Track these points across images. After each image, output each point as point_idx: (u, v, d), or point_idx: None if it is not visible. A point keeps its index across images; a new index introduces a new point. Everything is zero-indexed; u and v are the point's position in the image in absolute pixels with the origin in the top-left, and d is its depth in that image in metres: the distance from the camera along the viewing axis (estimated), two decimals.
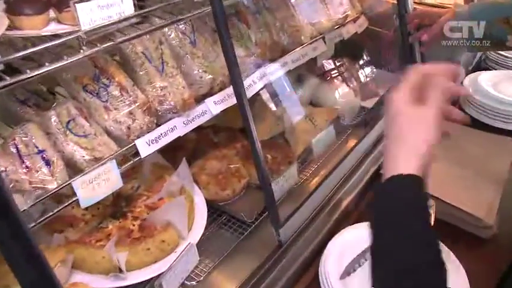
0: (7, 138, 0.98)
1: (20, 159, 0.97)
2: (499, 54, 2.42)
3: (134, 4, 1.04)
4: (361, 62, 2.11)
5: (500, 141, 1.87)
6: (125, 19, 1.03)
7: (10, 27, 0.98)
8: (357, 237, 1.38)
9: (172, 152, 1.53)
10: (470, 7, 1.57)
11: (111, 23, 0.99)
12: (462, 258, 1.32)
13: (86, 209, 1.29)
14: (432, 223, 1.28)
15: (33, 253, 0.74)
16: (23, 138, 0.99)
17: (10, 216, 0.70)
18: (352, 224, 1.46)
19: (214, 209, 1.46)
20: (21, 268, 0.74)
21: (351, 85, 1.92)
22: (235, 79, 1.20)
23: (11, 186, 0.92)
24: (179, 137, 1.28)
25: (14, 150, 0.97)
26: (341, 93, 1.86)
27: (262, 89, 1.47)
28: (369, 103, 1.95)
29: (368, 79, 2.04)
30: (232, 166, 1.51)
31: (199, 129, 1.71)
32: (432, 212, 1.43)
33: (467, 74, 2.25)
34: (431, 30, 1.63)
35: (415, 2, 2.02)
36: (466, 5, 1.65)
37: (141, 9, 1.11)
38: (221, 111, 1.38)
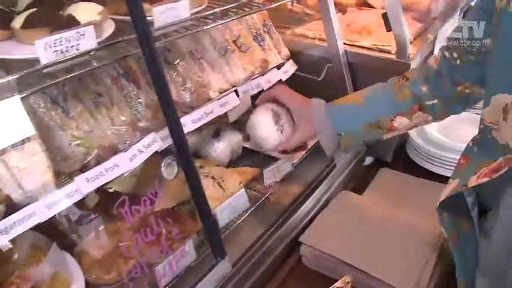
0: None
1: None
2: None
3: None
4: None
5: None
6: None
7: None
8: None
9: None
10: (329, 111, 1.34)
11: None
12: None
13: None
14: None
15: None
16: None
17: None
18: None
19: None
20: None
21: None
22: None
23: None
24: None
25: None
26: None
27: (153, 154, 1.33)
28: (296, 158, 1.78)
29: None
30: (121, 244, 1.35)
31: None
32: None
33: None
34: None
35: (345, 44, 1.90)
36: (323, 106, 1.36)
37: None
38: None
